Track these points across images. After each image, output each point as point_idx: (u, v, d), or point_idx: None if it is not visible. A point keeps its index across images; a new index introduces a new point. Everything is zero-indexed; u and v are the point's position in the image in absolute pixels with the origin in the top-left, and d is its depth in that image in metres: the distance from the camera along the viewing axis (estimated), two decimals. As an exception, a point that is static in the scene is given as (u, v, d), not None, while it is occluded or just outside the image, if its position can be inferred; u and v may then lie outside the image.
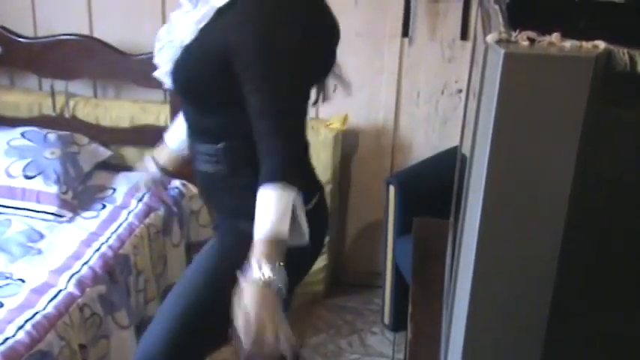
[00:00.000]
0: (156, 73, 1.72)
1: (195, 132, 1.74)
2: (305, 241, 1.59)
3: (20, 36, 2.92)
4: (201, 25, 1.57)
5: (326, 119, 2.88)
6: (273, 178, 1.47)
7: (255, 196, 1.51)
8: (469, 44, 2.71)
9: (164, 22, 2.88)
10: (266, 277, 1.44)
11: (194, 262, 1.85)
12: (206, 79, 1.60)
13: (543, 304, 1.00)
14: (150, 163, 2.03)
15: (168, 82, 1.70)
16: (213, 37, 1.56)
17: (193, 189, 2.87)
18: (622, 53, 0.90)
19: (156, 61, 1.71)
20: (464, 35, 2.72)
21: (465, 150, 1.31)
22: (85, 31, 2.97)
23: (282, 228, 1.47)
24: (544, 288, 0.99)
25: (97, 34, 2.96)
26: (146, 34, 2.94)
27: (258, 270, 1.44)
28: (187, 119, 1.76)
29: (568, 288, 1.00)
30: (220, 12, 1.54)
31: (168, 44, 1.66)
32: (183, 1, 1.63)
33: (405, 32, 2.76)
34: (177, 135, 1.96)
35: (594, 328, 1.06)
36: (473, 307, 1.03)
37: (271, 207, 1.47)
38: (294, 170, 1.52)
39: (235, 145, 1.65)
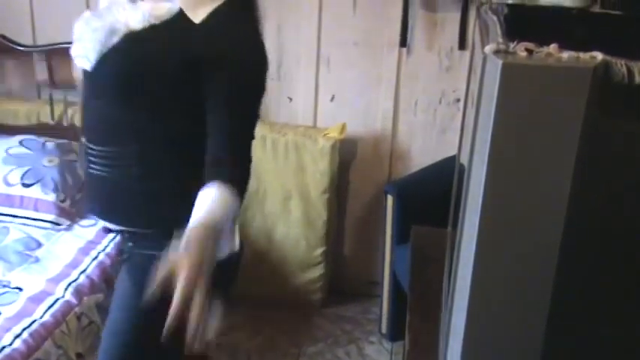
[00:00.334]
0: (77, 60, 1.58)
1: (107, 130, 1.59)
2: (235, 249, 1.61)
3: (19, 44, 2.93)
4: (157, 21, 1.52)
5: (324, 128, 2.89)
6: (228, 182, 1.40)
7: (171, 204, 1.52)
8: (467, 54, 2.71)
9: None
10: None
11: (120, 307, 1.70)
12: (154, 75, 1.51)
13: (542, 313, 1.00)
14: None
15: (87, 66, 1.55)
16: (176, 38, 1.51)
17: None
18: (619, 64, 0.91)
19: (78, 46, 1.57)
20: (461, 45, 2.73)
21: (463, 159, 1.31)
22: (84, 40, 2.97)
23: (223, 226, 1.37)
24: (543, 297, 0.99)
25: (95, 43, 2.97)
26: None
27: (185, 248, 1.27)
28: (99, 116, 1.61)
29: (566, 298, 1.00)
30: (186, 19, 1.51)
31: (101, 28, 1.53)
32: None
33: (403, 42, 2.77)
34: None
35: (594, 337, 1.06)
36: (471, 316, 1.03)
37: (218, 205, 1.37)
38: (245, 186, 1.48)
39: (155, 148, 1.57)
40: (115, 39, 1.52)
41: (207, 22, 1.51)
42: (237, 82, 1.49)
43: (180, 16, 1.52)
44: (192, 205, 1.38)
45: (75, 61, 1.59)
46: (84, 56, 1.55)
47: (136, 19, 1.52)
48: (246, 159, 1.51)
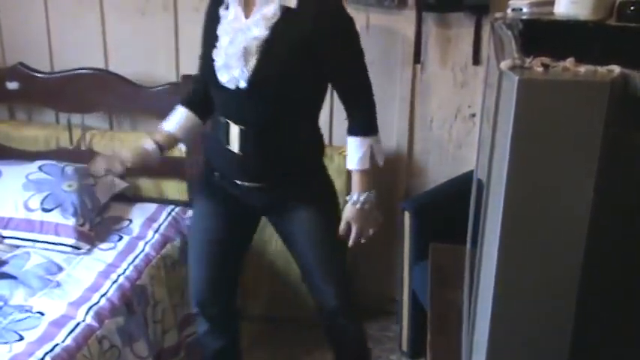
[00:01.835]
0: (225, 80, 2.01)
1: (265, 120, 2.05)
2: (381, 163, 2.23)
3: (37, 71, 2.96)
4: (271, 22, 1.94)
5: (339, 146, 2.88)
6: (365, 130, 2.16)
7: (308, 158, 2.20)
8: (481, 69, 2.71)
9: (178, 54, 2.96)
10: (362, 200, 2.15)
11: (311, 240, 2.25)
12: (293, 66, 1.98)
13: (565, 331, 0.99)
14: (147, 140, 2.26)
15: (242, 84, 1.98)
16: (292, 30, 1.94)
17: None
18: (638, 77, 0.90)
19: (225, 75, 2.01)
20: (476, 60, 2.73)
21: (481, 175, 1.30)
22: (101, 65, 3.01)
23: (367, 163, 2.15)
24: (566, 314, 0.98)
25: (112, 68, 3.00)
26: (160, 66, 2.99)
27: (357, 196, 2.15)
28: (256, 113, 2.04)
29: (590, 314, 0.99)
30: (289, 10, 1.93)
31: (239, 53, 1.96)
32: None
33: (417, 59, 2.77)
34: (177, 122, 2.27)
35: (618, 352, 1.05)
36: (493, 335, 1.02)
37: (362, 149, 2.13)
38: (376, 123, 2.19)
39: (297, 120, 2.11)
40: (255, 56, 1.96)
41: (301, 5, 1.93)
42: (350, 47, 2.05)
43: (282, 9, 1.94)
44: (320, 154, 2.23)
45: (225, 85, 2.02)
46: (236, 81, 1.99)
47: (257, 29, 1.94)
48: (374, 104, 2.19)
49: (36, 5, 3.03)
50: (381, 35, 2.79)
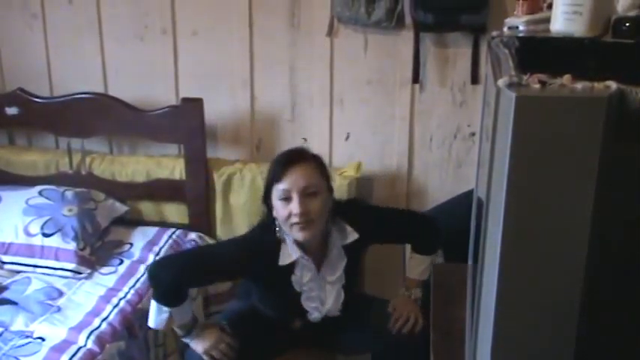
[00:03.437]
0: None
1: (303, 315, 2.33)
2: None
3: (37, 96, 2.97)
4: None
5: (340, 167, 2.89)
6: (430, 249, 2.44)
7: None
8: (480, 88, 2.72)
9: (177, 77, 2.98)
10: (413, 295, 2.40)
11: None
12: None
13: (568, 346, 0.98)
14: None
15: None
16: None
17: (210, 241, 2.88)
18: (635, 92, 0.90)
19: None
20: (474, 79, 2.74)
21: (481, 193, 1.30)
22: (100, 90, 3.02)
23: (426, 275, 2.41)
24: (568, 331, 0.98)
25: (111, 92, 3.01)
26: (160, 90, 3.00)
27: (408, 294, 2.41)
28: (300, 313, 2.32)
29: (592, 331, 0.99)
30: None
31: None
32: None
33: (416, 78, 2.78)
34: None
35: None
36: (496, 351, 1.02)
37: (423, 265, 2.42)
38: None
39: None
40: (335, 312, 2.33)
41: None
42: (381, 212, 2.46)
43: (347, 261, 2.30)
44: None
45: None
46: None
47: (331, 301, 2.28)
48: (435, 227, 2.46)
49: (35, 31, 3.05)
50: (380, 56, 2.80)
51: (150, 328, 2.30)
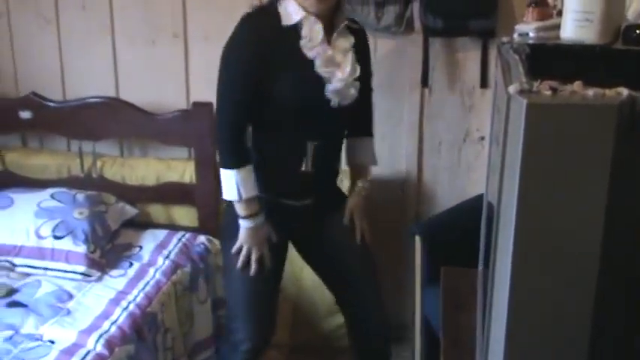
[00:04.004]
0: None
1: (336, 137, 2.29)
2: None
3: (50, 100, 2.99)
4: (346, 53, 2.15)
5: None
6: (371, 130, 2.42)
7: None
8: (489, 92, 2.72)
9: (188, 81, 2.99)
10: (366, 187, 2.38)
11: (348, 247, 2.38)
12: (363, 81, 2.22)
13: (580, 353, 0.98)
14: (260, 219, 2.24)
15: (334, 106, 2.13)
16: (358, 47, 2.19)
17: (218, 244, 2.89)
18: (646, 99, 0.90)
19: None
20: (483, 83, 2.74)
21: (491, 197, 1.31)
22: (112, 93, 3.03)
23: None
24: (580, 337, 0.98)
25: (123, 96, 3.03)
26: (170, 93, 3.01)
27: (363, 184, 2.37)
28: (332, 131, 2.24)
29: (604, 337, 0.99)
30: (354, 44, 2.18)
31: (342, 89, 2.13)
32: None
33: (425, 82, 2.79)
34: (252, 184, 2.20)
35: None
36: (508, 359, 1.02)
37: (373, 147, 2.44)
38: None
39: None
40: (353, 90, 2.15)
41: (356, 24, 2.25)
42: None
43: (354, 42, 2.16)
44: None
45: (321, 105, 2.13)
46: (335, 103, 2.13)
47: (349, 67, 2.13)
48: None
49: (49, 36, 3.07)
50: (389, 60, 2.80)
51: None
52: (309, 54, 2.08)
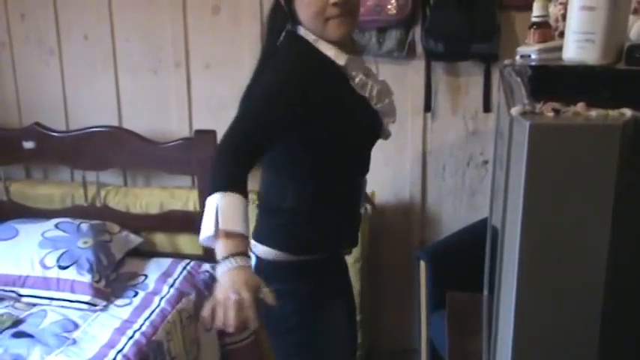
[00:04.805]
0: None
1: (366, 171, 1.94)
2: None
3: (53, 130, 3.00)
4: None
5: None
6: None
7: None
8: (492, 116, 2.73)
9: (190, 109, 3.00)
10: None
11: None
12: None
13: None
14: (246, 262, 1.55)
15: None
16: None
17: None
18: (649, 120, 0.90)
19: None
20: (486, 107, 2.75)
21: (496, 222, 1.30)
22: (115, 123, 3.05)
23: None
24: (588, 360, 0.97)
25: (125, 125, 3.04)
26: (173, 122, 3.02)
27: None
28: (366, 163, 1.93)
29: None
30: None
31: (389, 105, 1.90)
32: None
33: (428, 107, 2.80)
34: (243, 218, 1.55)
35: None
36: (516, 383, 1.01)
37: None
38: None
39: None
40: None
41: None
42: None
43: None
44: None
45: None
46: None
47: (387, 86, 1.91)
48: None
49: (52, 66, 3.09)
50: (391, 85, 2.79)
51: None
52: (361, 91, 1.79)
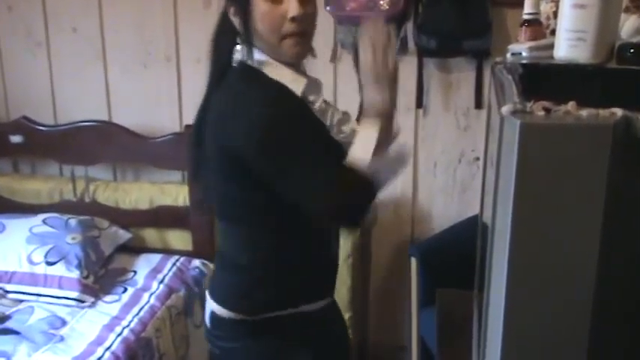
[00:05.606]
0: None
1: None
2: None
3: (41, 124, 2.98)
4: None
5: (344, 193, 2.88)
6: None
7: None
8: (484, 112, 2.72)
9: (181, 105, 2.98)
10: None
11: None
12: None
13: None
14: None
15: None
16: None
17: (213, 268, 2.86)
18: (640, 120, 0.89)
19: None
20: (478, 104, 2.74)
21: (486, 219, 1.29)
22: (104, 117, 3.03)
23: None
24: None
25: (115, 120, 3.02)
26: (163, 117, 3.00)
27: None
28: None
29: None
30: None
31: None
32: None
33: (419, 103, 2.79)
34: None
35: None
36: (504, 384, 1.00)
37: None
38: None
39: None
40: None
41: None
42: None
43: None
44: None
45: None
46: None
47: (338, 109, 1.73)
48: None
49: (40, 59, 3.06)
50: (383, 81, 2.80)
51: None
52: (322, 118, 1.65)
